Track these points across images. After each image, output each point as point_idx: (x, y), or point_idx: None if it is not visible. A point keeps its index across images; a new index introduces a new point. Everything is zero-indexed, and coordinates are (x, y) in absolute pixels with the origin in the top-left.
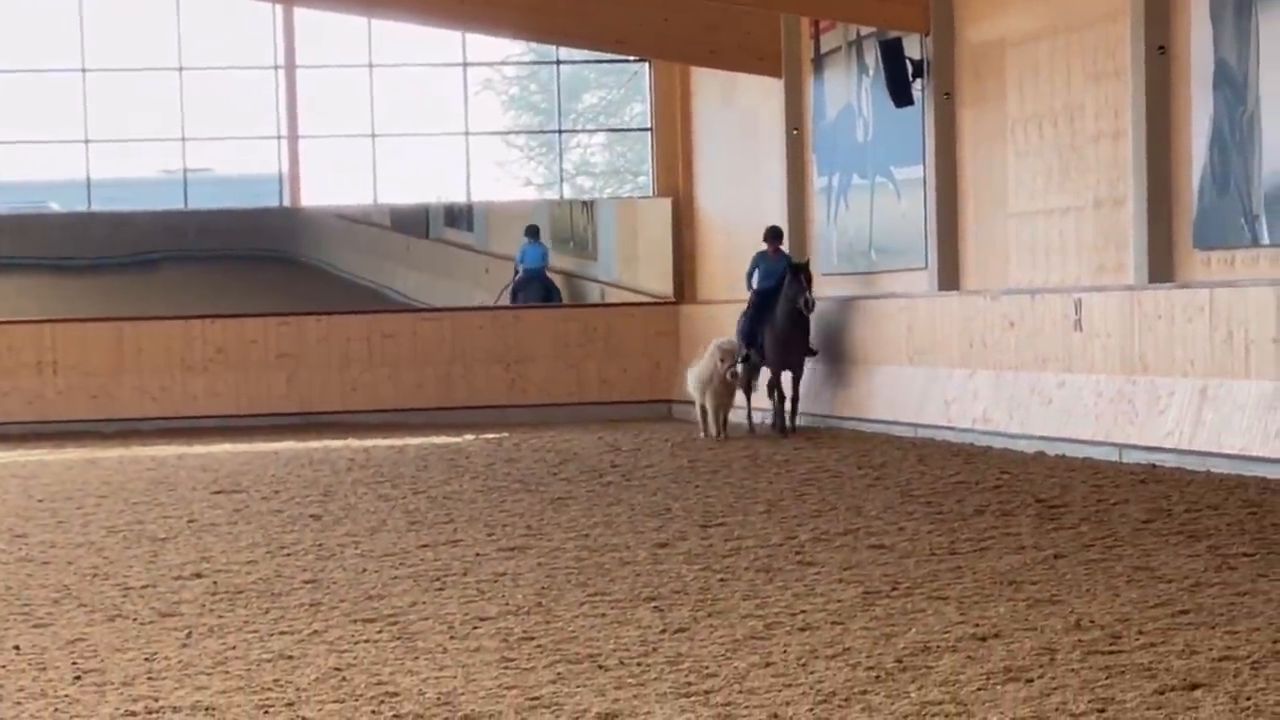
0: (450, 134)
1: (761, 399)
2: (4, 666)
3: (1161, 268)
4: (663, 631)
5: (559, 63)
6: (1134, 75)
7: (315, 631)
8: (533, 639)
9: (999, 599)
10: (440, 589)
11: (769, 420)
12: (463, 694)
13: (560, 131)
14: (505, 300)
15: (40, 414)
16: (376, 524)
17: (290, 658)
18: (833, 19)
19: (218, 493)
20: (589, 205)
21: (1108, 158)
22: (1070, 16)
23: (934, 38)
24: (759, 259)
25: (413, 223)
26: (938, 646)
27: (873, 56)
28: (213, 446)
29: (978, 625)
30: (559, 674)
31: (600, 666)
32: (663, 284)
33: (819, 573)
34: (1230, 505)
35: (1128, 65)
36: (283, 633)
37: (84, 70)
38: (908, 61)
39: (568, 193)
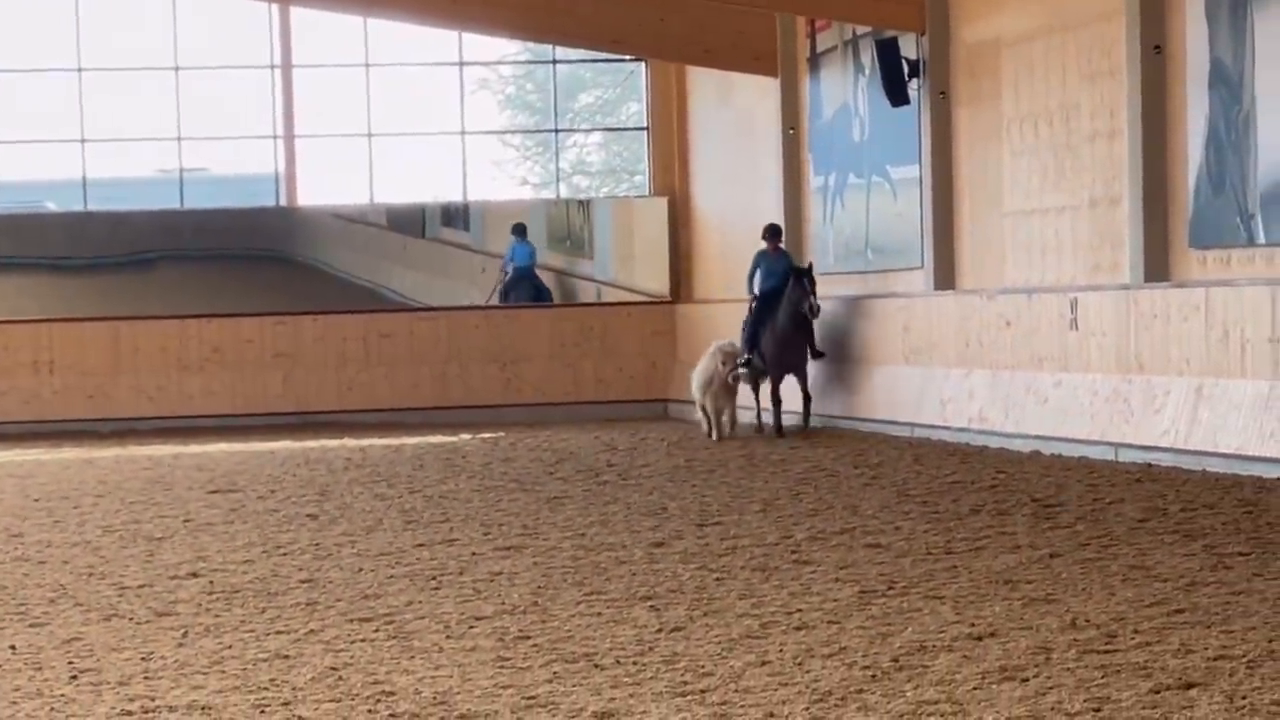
0: (446, 133)
1: (767, 399)
2: (0, 666)
3: (1157, 267)
4: (659, 630)
5: (555, 62)
6: (1129, 75)
7: (311, 631)
8: (529, 638)
9: (995, 598)
10: (436, 588)
11: (769, 421)
12: (459, 693)
13: (556, 131)
14: (495, 300)
15: (37, 413)
16: (373, 523)
17: (286, 657)
18: (828, 18)
19: (214, 492)
20: (585, 205)
21: (1103, 157)
22: (1066, 16)
23: (929, 37)
24: (759, 258)
25: (409, 222)
26: (934, 645)
27: (868, 56)
28: (209, 446)
29: (973, 624)
30: (555, 673)
31: (596, 665)
32: (659, 283)
33: (815, 572)
34: (1226, 504)
35: (1123, 65)
36: (279, 632)
37: (80, 70)
38: (903, 61)
39: (564, 192)
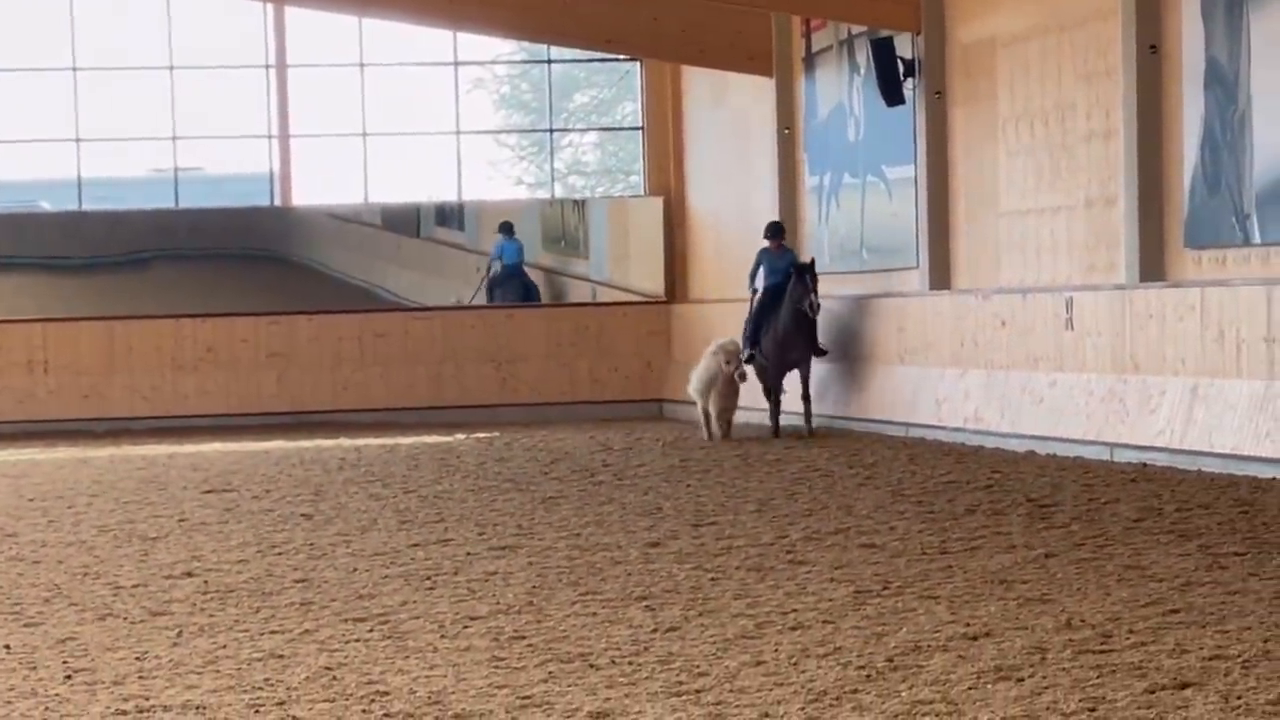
0: (441, 133)
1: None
2: None
3: (1153, 267)
4: (654, 630)
5: (550, 62)
6: (1125, 74)
7: (306, 630)
8: (524, 638)
9: (990, 598)
10: (431, 588)
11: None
12: (453, 693)
13: (551, 130)
14: (481, 298)
15: (31, 413)
16: (367, 523)
17: (281, 657)
18: (824, 18)
19: (208, 492)
20: (580, 204)
21: (1099, 157)
22: (1061, 16)
23: (925, 37)
24: (762, 256)
25: (404, 222)
26: (929, 645)
27: (864, 55)
28: (204, 446)
29: (969, 624)
30: (550, 673)
31: (591, 665)
32: (654, 283)
33: (810, 572)
34: (1221, 504)
35: (1119, 64)
36: (273, 632)
37: (75, 69)
38: (899, 60)
39: (559, 192)
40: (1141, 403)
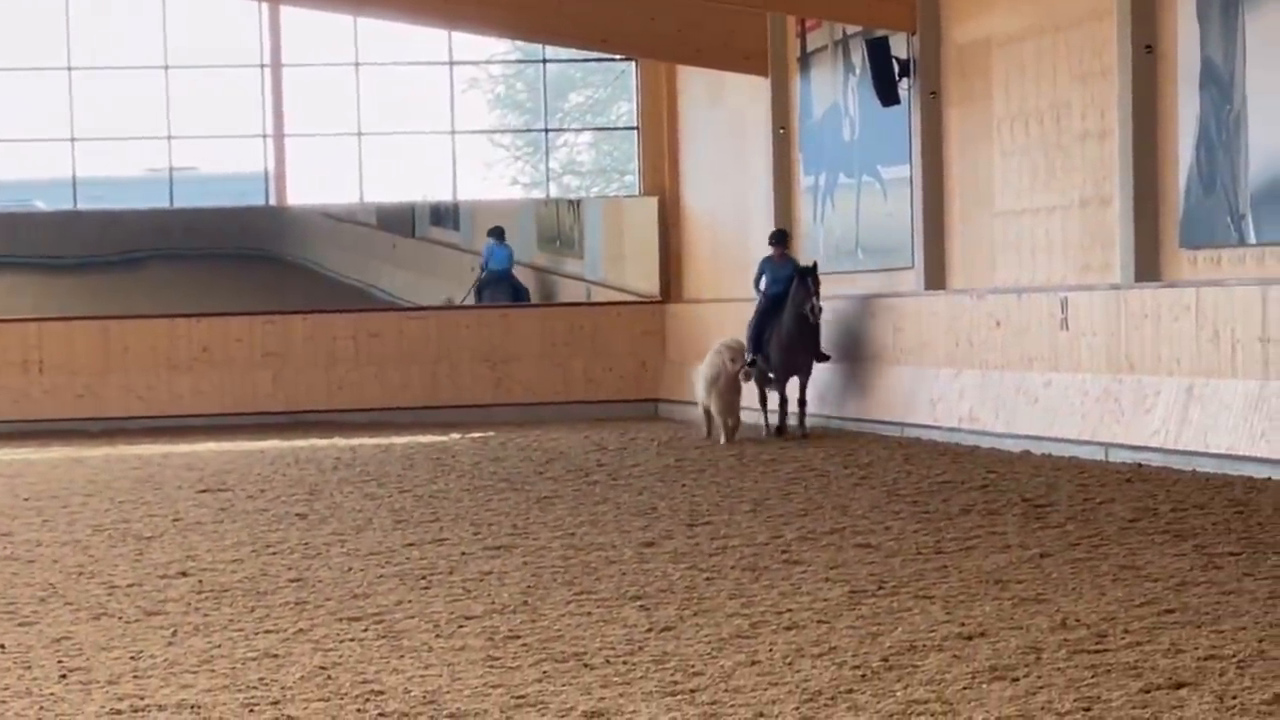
0: (436, 133)
1: (773, 401)
2: None
3: (1148, 267)
4: (648, 630)
5: (545, 61)
6: (1121, 74)
7: (301, 630)
8: (518, 638)
9: (985, 598)
10: (426, 588)
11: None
12: (448, 692)
13: (546, 130)
14: (471, 299)
15: (26, 413)
16: (362, 522)
17: (276, 656)
18: (819, 18)
19: (203, 491)
20: (575, 204)
21: (1094, 157)
22: (1057, 16)
23: (920, 37)
24: (764, 264)
25: (399, 221)
26: (924, 645)
27: (859, 55)
28: (198, 445)
29: (963, 624)
30: (545, 673)
31: (586, 665)
32: (649, 283)
33: (805, 571)
34: (1216, 504)
35: (1114, 64)
36: (268, 631)
37: (70, 68)
38: (894, 60)
39: (554, 191)
40: (1136, 403)
